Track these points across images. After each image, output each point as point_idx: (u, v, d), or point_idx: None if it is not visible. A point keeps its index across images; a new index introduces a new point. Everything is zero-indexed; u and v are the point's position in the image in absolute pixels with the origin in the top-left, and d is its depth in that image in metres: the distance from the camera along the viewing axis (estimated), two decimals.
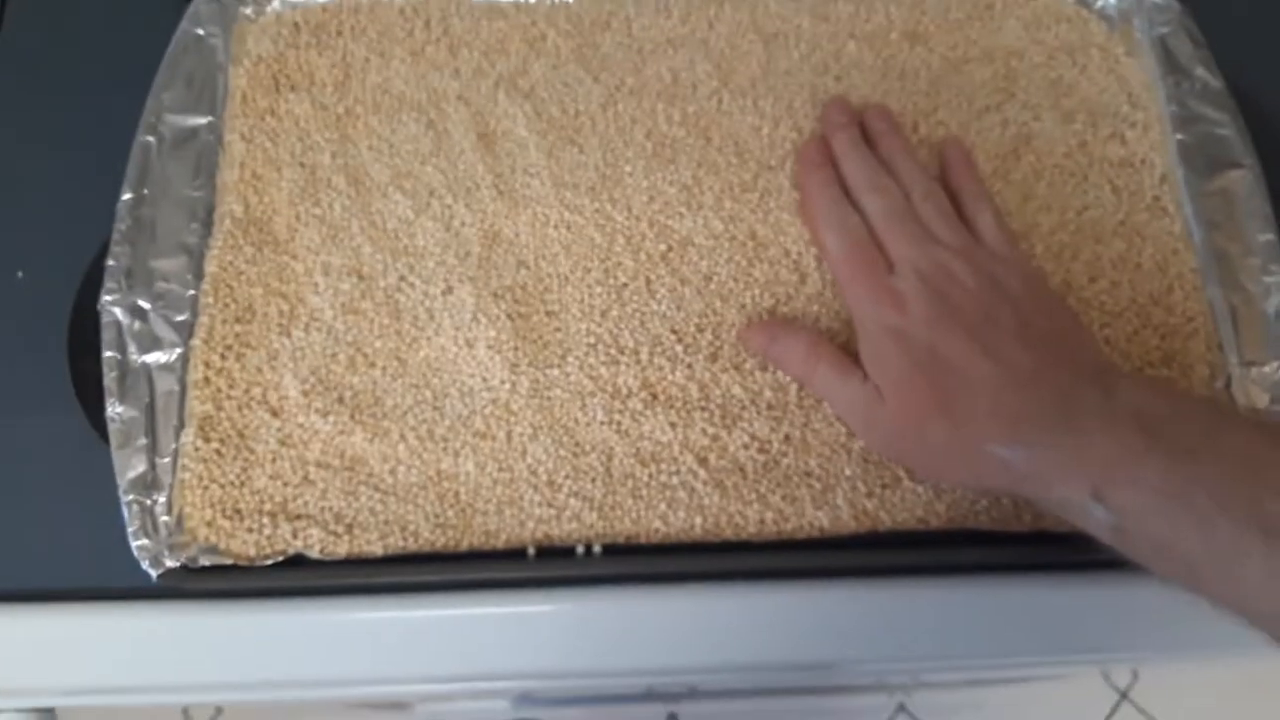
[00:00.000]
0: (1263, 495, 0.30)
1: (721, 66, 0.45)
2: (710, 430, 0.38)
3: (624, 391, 0.39)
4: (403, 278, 0.40)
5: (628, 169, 0.42)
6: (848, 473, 0.38)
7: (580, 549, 0.36)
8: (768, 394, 0.39)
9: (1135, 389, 0.34)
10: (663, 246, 0.41)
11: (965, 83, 0.45)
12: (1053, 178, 0.43)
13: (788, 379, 0.39)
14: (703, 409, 0.38)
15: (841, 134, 0.42)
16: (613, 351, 0.39)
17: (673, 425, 0.38)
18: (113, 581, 0.35)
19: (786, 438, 0.38)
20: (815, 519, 0.37)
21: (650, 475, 0.37)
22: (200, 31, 0.43)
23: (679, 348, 0.39)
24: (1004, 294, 0.37)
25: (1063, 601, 0.38)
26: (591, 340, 0.39)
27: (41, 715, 0.38)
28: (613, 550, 0.36)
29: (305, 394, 0.37)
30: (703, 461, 0.38)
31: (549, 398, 0.38)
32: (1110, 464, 0.32)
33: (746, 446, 0.38)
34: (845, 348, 0.39)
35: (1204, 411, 0.34)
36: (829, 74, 0.45)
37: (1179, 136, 0.44)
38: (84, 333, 0.38)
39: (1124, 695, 1.05)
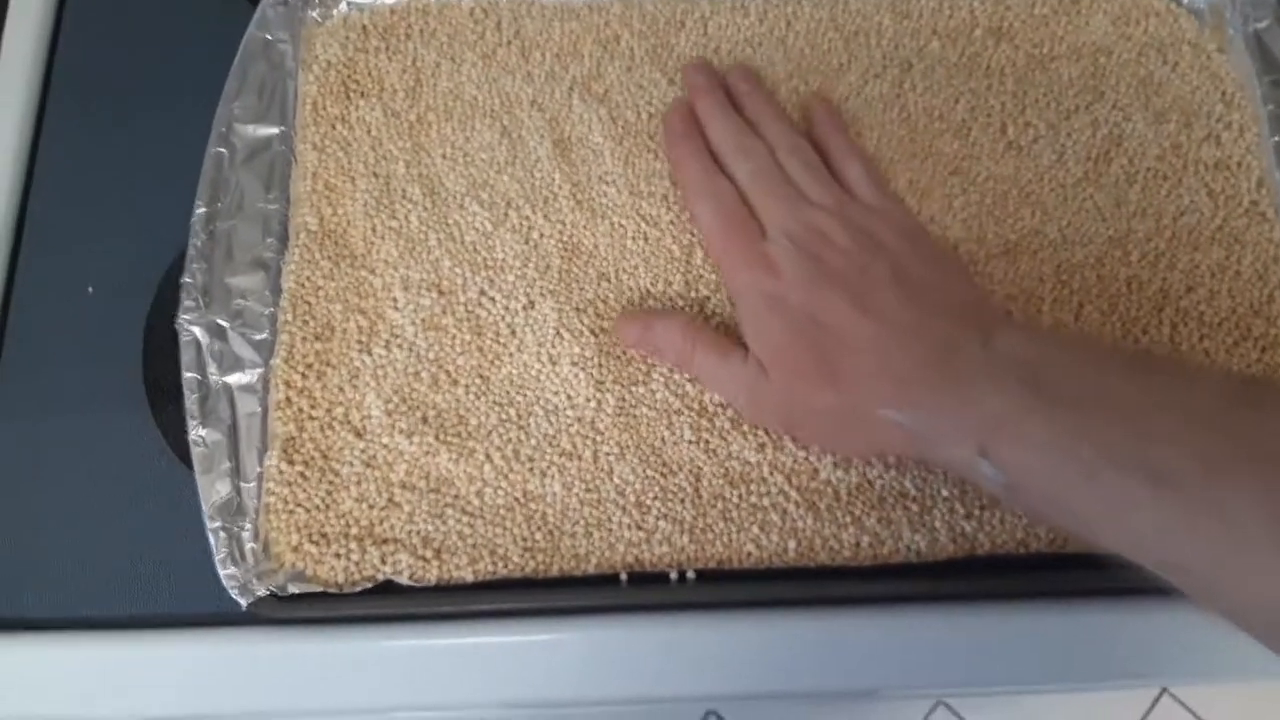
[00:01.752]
0: (1148, 443, 0.29)
1: (801, 65, 0.43)
2: (800, 451, 0.37)
3: (710, 409, 0.38)
4: (483, 292, 0.39)
5: None
6: (944, 494, 0.37)
7: (674, 575, 0.35)
8: None
9: (1015, 336, 0.33)
10: None
11: (1052, 81, 0.44)
12: (1146, 182, 0.42)
13: None
14: None
15: (705, 98, 0.41)
16: None
17: (761, 446, 0.37)
18: (197, 607, 0.35)
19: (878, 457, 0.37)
20: (912, 542, 0.36)
21: (740, 497, 0.36)
22: (268, 37, 0.41)
23: None
24: (879, 247, 0.36)
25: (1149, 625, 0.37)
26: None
27: None
28: (705, 575, 0.35)
29: (389, 413, 0.36)
30: (793, 483, 0.37)
31: (635, 416, 0.37)
32: (995, 420, 0.31)
33: (838, 466, 0.37)
34: None
35: (1087, 356, 0.33)
36: (912, 72, 0.43)
37: (1277, 138, 0.42)
38: (158, 350, 0.37)
39: (1165, 688, 1.05)
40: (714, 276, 0.39)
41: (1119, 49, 0.44)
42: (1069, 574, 0.37)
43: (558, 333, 0.38)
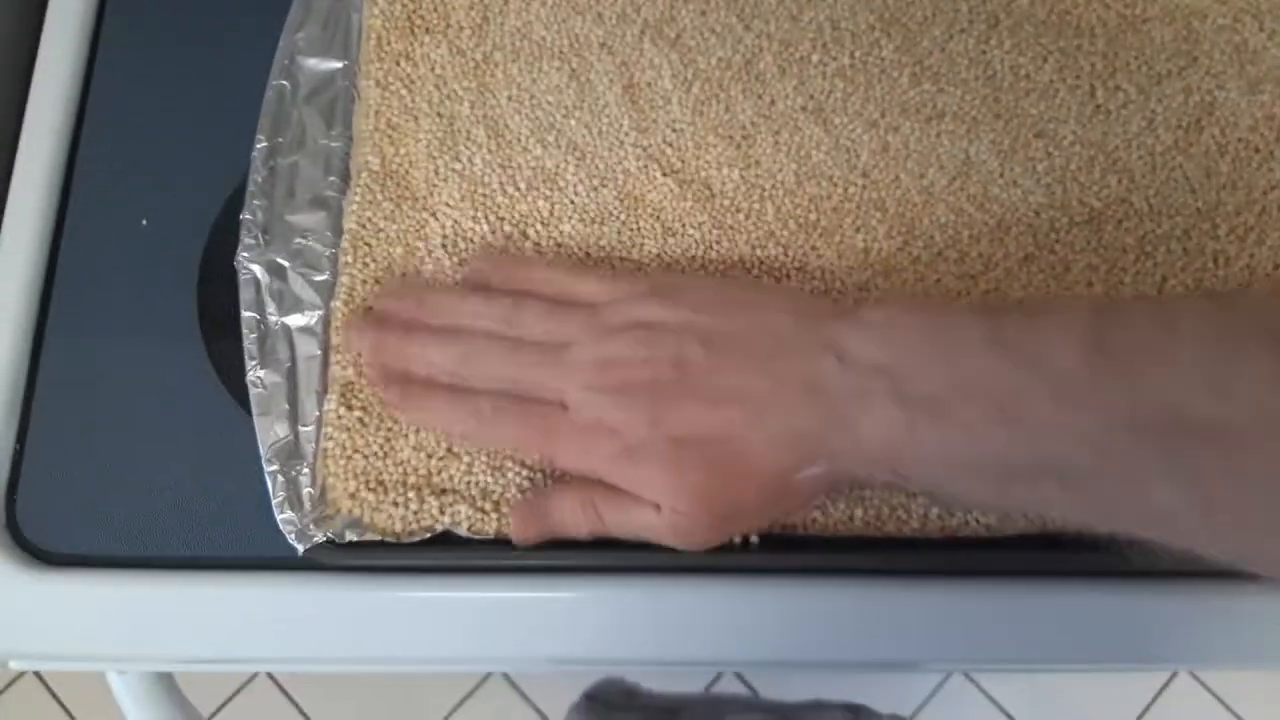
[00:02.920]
0: (1038, 437, 0.29)
1: (884, 17, 0.41)
2: None
3: None
4: (540, 243, 0.38)
5: (776, 127, 0.39)
6: None
7: (737, 539, 0.34)
8: None
9: (864, 341, 0.31)
10: (812, 215, 0.38)
11: (1144, 43, 0.42)
12: (1238, 153, 0.40)
13: None
14: None
15: (384, 349, 0.35)
16: None
17: None
18: (252, 550, 0.34)
19: None
20: (982, 515, 0.35)
21: None
22: None
23: None
24: (665, 332, 0.33)
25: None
26: None
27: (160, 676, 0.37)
28: (769, 540, 0.34)
29: None
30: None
31: None
32: (892, 446, 0.30)
33: None
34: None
35: (936, 344, 0.31)
36: (1000, 27, 0.41)
37: None
38: (214, 287, 0.36)
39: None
40: (786, 230, 0.38)
41: (1214, 13, 0.42)
42: (1144, 553, 0.36)
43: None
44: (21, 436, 0.36)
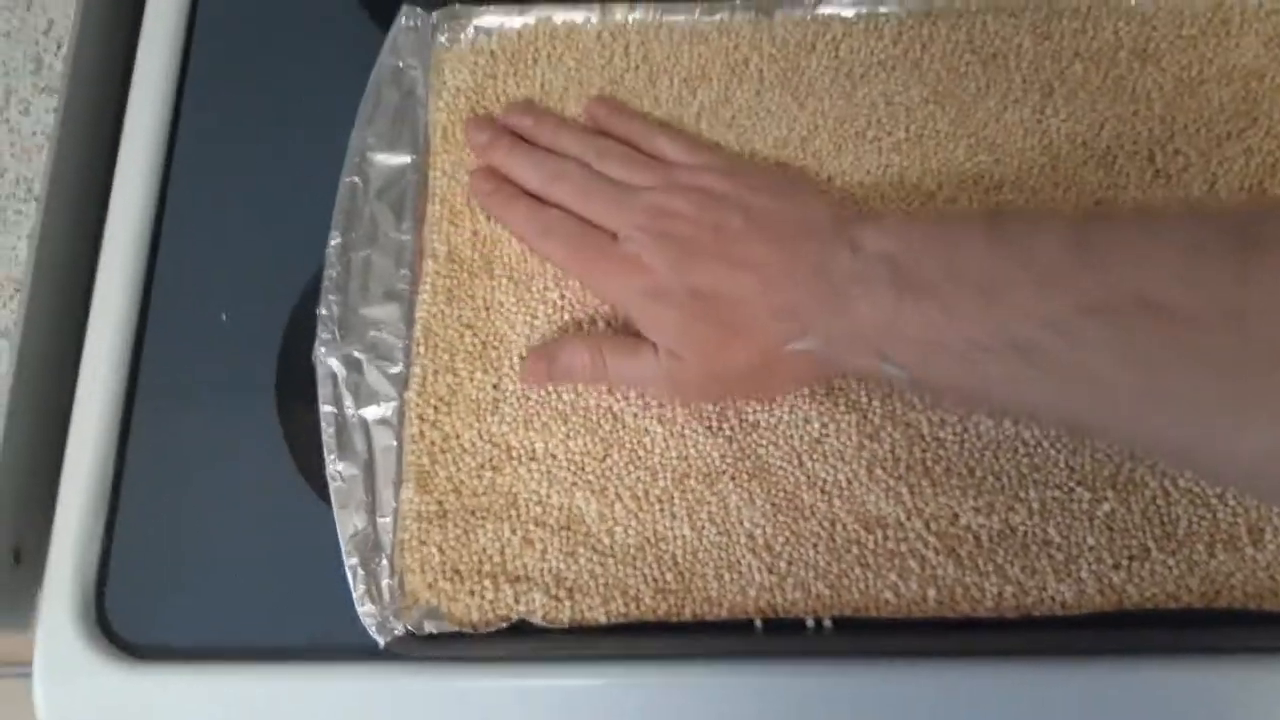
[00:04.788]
0: (1009, 319, 0.30)
1: (938, 90, 0.42)
2: (938, 495, 0.36)
3: (840, 450, 0.37)
4: (609, 323, 0.38)
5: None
6: (1090, 542, 0.35)
7: (810, 622, 0.34)
8: (990, 457, 0.36)
9: (881, 234, 0.34)
10: None
11: (1202, 106, 0.41)
12: None
13: (1007, 436, 0.37)
14: (925, 470, 0.36)
15: (495, 150, 0.40)
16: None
17: (894, 490, 0.36)
18: (333, 641, 0.35)
19: (1019, 499, 0.36)
20: (1057, 593, 0.35)
21: (876, 543, 0.35)
22: (399, 63, 0.41)
23: (897, 404, 0.37)
24: (720, 200, 0.37)
25: None
26: (805, 393, 0.37)
27: None
28: (843, 624, 0.34)
29: (521, 447, 0.36)
30: (932, 528, 0.35)
31: (761, 460, 0.36)
32: (881, 325, 0.32)
33: (979, 512, 0.36)
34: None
35: (942, 234, 0.33)
36: (1055, 96, 0.41)
37: None
38: (292, 381, 0.37)
39: None
40: None
41: (1272, 72, 0.42)
42: (1221, 630, 0.35)
43: None
44: (109, 532, 0.37)
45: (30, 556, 0.39)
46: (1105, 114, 0.41)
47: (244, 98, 0.43)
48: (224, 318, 0.40)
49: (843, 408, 0.37)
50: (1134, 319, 0.28)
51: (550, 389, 0.37)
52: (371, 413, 0.36)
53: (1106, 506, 0.36)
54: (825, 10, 0.43)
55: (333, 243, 0.38)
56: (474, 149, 0.41)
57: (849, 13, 0.43)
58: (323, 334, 0.36)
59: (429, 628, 0.34)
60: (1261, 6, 0.43)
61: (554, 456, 0.36)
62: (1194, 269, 0.28)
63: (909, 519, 0.36)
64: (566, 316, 0.38)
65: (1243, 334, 0.27)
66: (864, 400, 0.37)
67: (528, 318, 0.38)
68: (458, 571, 0.35)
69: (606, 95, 0.42)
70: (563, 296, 0.39)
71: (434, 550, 0.35)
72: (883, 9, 0.43)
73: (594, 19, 0.43)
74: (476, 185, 0.40)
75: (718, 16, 0.43)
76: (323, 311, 0.37)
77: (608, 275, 0.37)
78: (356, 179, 0.39)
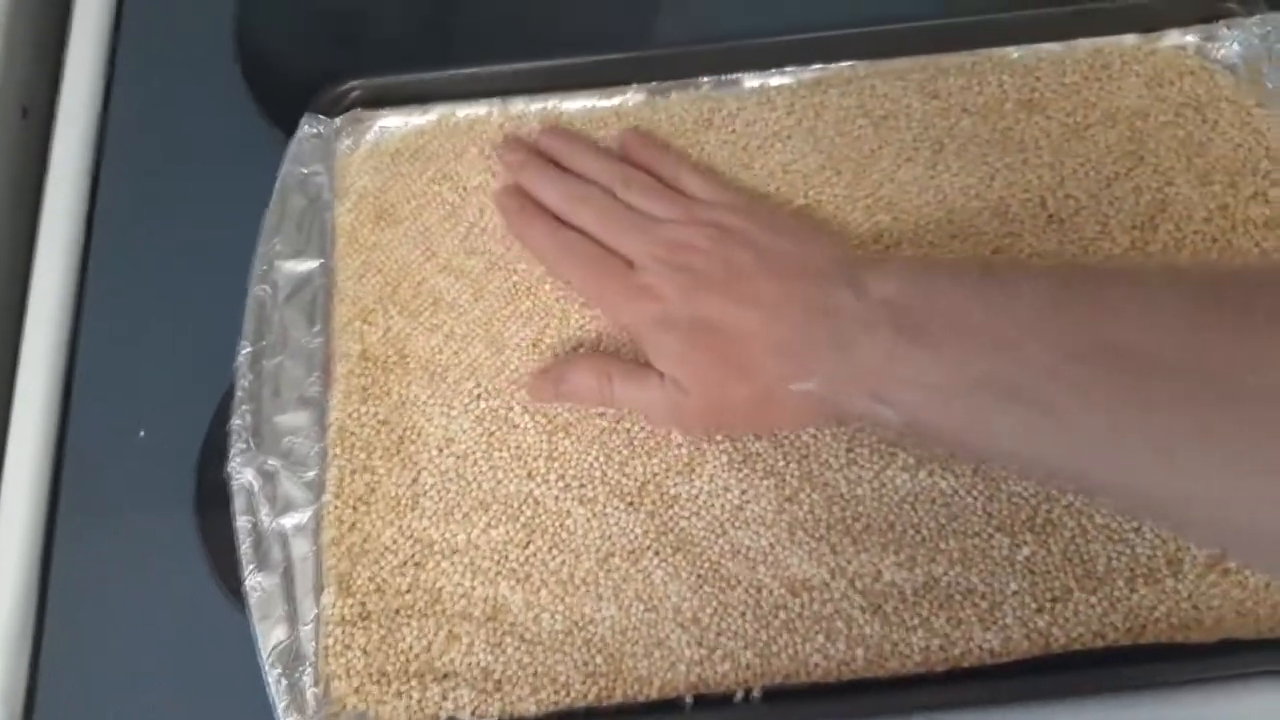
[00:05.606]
0: (1017, 374, 0.30)
1: (833, 155, 0.43)
2: (860, 552, 0.36)
3: (764, 518, 0.37)
4: (525, 409, 0.39)
5: None
6: (1013, 587, 0.36)
7: (739, 693, 0.34)
8: (908, 509, 0.37)
9: (884, 279, 0.34)
10: None
11: (1090, 149, 0.43)
12: (1195, 245, 0.41)
13: (923, 487, 0.37)
14: (845, 529, 0.36)
15: (526, 170, 0.42)
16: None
17: (817, 551, 0.36)
18: None
19: (939, 550, 0.36)
20: (984, 642, 0.35)
21: (803, 605, 0.36)
22: (304, 170, 0.42)
23: (813, 464, 0.38)
24: (734, 236, 0.38)
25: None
26: (722, 461, 0.38)
27: None
28: (772, 693, 0.34)
29: (441, 542, 0.36)
30: (856, 586, 0.36)
31: (684, 532, 0.37)
32: (879, 368, 0.33)
33: (900, 566, 0.36)
34: None
35: (948, 285, 0.34)
36: (946, 151, 0.43)
37: None
38: (211, 493, 0.37)
39: None
40: None
41: (1155, 111, 0.43)
42: (1147, 666, 0.35)
43: (592, 454, 0.38)
44: (36, 650, 0.37)
45: None
46: (996, 165, 0.42)
47: (154, 214, 0.44)
48: (141, 434, 0.40)
49: (760, 473, 0.38)
50: (1112, 364, 0.29)
51: (468, 478, 0.37)
52: (288, 521, 0.36)
53: (1026, 550, 0.36)
54: (719, 88, 0.44)
55: (243, 353, 0.38)
56: (506, 165, 0.42)
57: (743, 87, 0.44)
58: (237, 445, 0.37)
59: None
60: (1140, 49, 0.45)
61: (476, 547, 0.36)
62: (1153, 316, 0.29)
63: (833, 579, 0.36)
64: (483, 405, 0.39)
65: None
66: (780, 464, 0.38)
67: (444, 409, 0.39)
68: (384, 674, 0.35)
69: (630, 129, 0.43)
70: (478, 386, 0.39)
71: (358, 654, 0.35)
72: (774, 81, 0.44)
73: (495, 111, 0.44)
74: (502, 202, 0.42)
75: (615, 100, 0.44)
76: (236, 423, 0.37)
77: (621, 300, 0.38)
78: (265, 288, 0.40)
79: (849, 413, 0.35)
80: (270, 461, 0.37)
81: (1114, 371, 0.29)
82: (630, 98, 0.44)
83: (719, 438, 0.38)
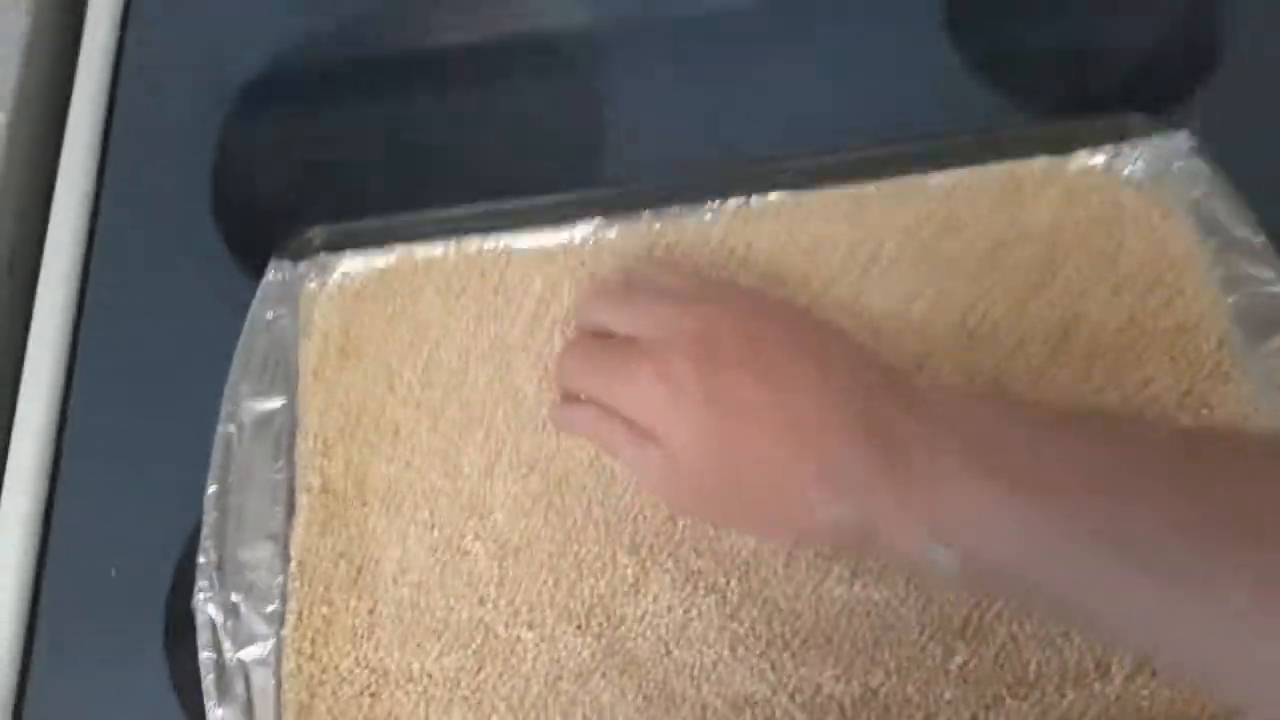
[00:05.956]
0: (1122, 520, 0.28)
1: (765, 281, 0.46)
2: (799, 666, 0.38)
3: (708, 638, 0.38)
4: (477, 536, 0.41)
5: None
6: (948, 696, 0.37)
7: None
8: (844, 621, 0.38)
9: (936, 400, 0.31)
10: None
11: (1006, 267, 0.45)
12: (1108, 355, 0.43)
13: (859, 599, 0.38)
14: (785, 643, 0.38)
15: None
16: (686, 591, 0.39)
17: (758, 667, 0.38)
18: None
19: (875, 661, 0.38)
20: None
21: None
22: (270, 313, 0.45)
23: (753, 580, 0.39)
24: (756, 313, 0.35)
25: None
26: (666, 581, 0.39)
27: None
28: None
29: (398, 671, 0.38)
30: (797, 700, 0.37)
31: (630, 654, 0.38)
32: (943, 500, 0.29)
33: (838, 680, 0.37)
34: None
35: (1020, 417, 0.31)
36: (870, 274, 0.45)
37: (1230, 299, 0.43)
38: (179, 629, 0.39)
39: None
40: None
41: (1067, 228, 0.46)
42: None
43: (541, 578, 0.39)
44: None
45: None
46: (918, 286, 0.45)
47: (132, 361, 0.47)
48: (113, 572, 0.42)
49: (703, 590, 0.39)
50: (1245, 530, 0.27)
51: (423, 606, 0.39)
52: (250, 654, 0.38)
53: (959, 658, 0.38)
54: (659, 221, 0.47)
55: (210, 490, 0.40)
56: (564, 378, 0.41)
57: (681, 220, 0.47)
58: (201, 582, 0.38)
59: None
60: (1051, 169, 0.48)
61: (430, 675, 0.38)
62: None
63: (774, 694, 0.37)
64: (437, 534, 0.41)
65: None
66: (722, 581, 0.39)
67: (400, 538, 0.41)
68: None
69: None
70: (432, 514, 0.41)
71: None
72: (709, 214, 0.47)
73: (450, 251, 0.47)
74: (557, 417, 0.41)
75: (563, 235, 0.47)
76: (201, 560, 0.39)
77: (631, 369, 0.35)
78: (232, 426, 0.42)
79: (889, 546, 0.31)
80: (233, 596, 0.39)
81: (1246, 536, 0.26)
82: (576, 232, 0.47)
83: (665, 558, 0.40)
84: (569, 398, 0.39)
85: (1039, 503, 0.28)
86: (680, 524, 0.40)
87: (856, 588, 0.39)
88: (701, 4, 0.55)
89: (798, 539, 0.35)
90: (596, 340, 0.39)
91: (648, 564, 0.40)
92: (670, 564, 0.40)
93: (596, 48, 0.55)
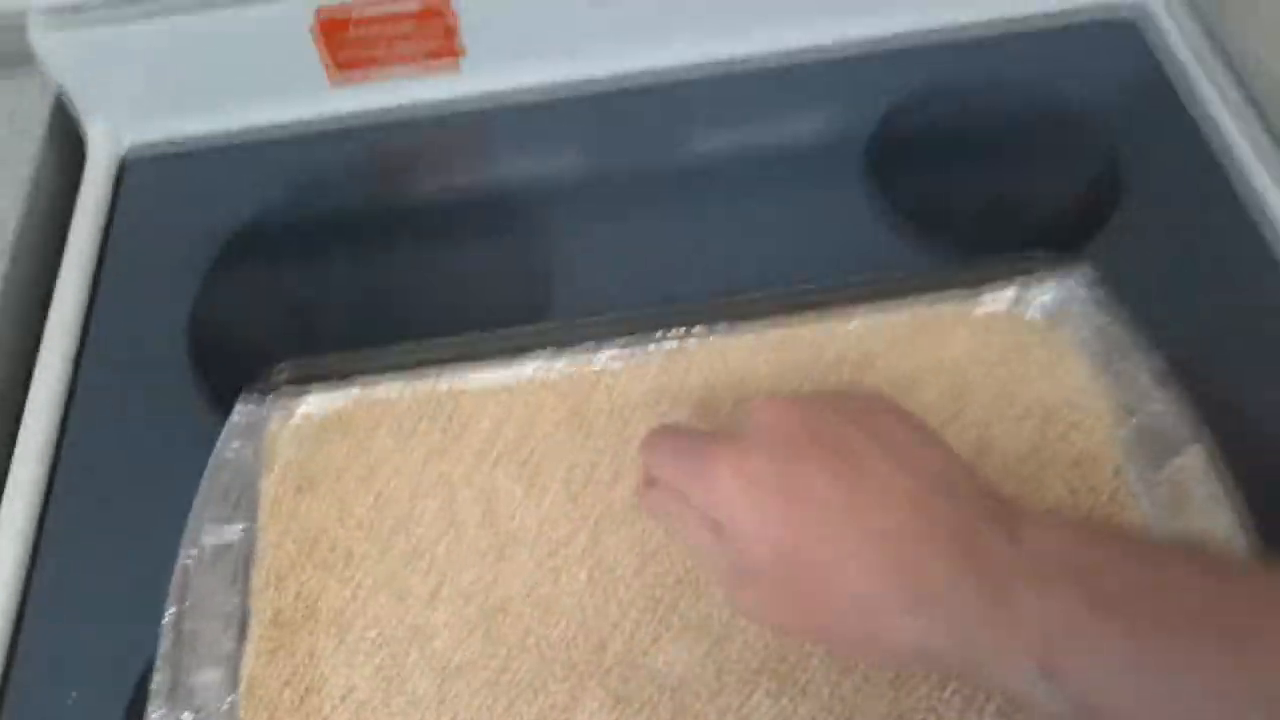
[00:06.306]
0: (1257, 669, 0.26)
1: (698, 411, 0.49)
2: None
3: None
4: (420, 655, 0.43)
5: (610, 529, 0.46)
6: None
7: None
8: None
9: (1044, 530, 0.30)
10: (656, 592, 0.44)
11: (920, 398, 0.49)
12: (1012, 484, 0.46)
13: (788, 714, 0.40)
14: None
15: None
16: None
17: None
18: None
19: None
20: None
21: None
22: (236, 445, 0.48)
23: (685, 697, 0.41)
24: (853, 412, 0.33)
25: None
26: (596, 705, 0.41)
27: None
28: None
29: None
30: None
31: None
32: (1056, 636, 0.28)
33: None
34: None
35: (1136, 553, 0.30)
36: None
37: (1126, 428, 0.47)
38: None
39: None
40: (628, 618, 0.43)
41: (977, 361, 0.50)
42: None
43: (479, 700, 0.42)
44: None
45: None
46: None
47: (107, 489, 0.50)
48: (73, 696, 0.44)
49: (633, 710, 0.41)
50: None
51: None
52: None
53: None
54: (600, 357, 0.51)
55: (168, 614, 0.43)
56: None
57: (620, 358, 0.51)
58: (151, 707, 0.40)
59: None
60: (963, 306, 0.52)
61: None
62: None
63: None
64: (381, 657, 0.43)
65: None
66: (653, 701, 0.41)
67: (347, 658, 0.43)
68: None
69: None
70: (377, 638, 0.44)
71: None
72: (649, 350, 0.51)
73: (405, 392, 0.51)
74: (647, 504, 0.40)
75: (509, 372, 0.51)
76: (153, 686, 0.41)
77: (707, 457, 0.33)
78: (193, 553, 0.45)
79: (990, 678, 0.29)
80: (184, 716, 0.41)
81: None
82: (523, 370, 0.51)
83: (594, 684, 0.41)
84: (650, 481, 0.38)
85: (1158, 647, 0.27)
86: (611, 650, 0.43)
87: (784, 702, 0.41)
88: (640, 164, 0.61)
89: (880, 660, 0.34)
90: (683, 426, 0.39)
91: (578, 689, 0.42)
92: (600, 691, 0.42)
93: (547, 203, 0.60)
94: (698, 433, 0.37)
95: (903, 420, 0.34)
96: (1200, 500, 0.44)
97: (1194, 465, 0.45)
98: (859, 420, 0.33)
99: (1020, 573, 0.29)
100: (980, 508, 0.31)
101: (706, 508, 0.34)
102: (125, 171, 0.64)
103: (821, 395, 0.36)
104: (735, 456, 0.33)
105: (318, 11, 0.60)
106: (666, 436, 0.38)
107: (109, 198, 0.62)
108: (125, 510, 0.50)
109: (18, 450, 0.51)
